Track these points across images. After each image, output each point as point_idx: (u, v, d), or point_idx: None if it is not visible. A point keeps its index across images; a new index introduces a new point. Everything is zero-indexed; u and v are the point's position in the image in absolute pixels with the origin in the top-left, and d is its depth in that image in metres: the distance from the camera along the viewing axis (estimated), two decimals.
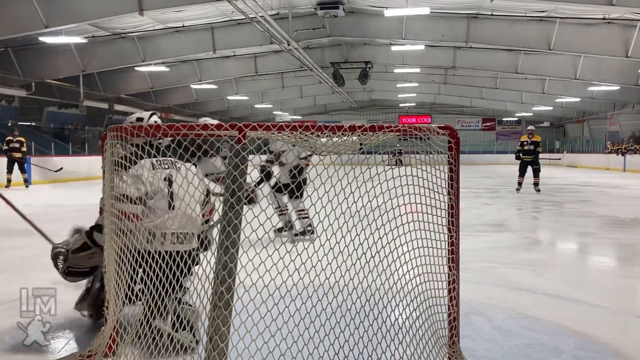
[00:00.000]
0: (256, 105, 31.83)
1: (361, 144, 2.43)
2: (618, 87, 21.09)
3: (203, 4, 12.86)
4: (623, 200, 11.24)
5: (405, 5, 13.83)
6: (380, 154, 2.53)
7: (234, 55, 20.98)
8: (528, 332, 2.93)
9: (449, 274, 2.40)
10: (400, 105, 35.83)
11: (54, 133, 24.42)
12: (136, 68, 19.60)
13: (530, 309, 3.29)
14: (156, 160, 2.80)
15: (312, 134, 2.16)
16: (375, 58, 20.71)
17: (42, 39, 14.29)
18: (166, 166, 2.82)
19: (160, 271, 2.31)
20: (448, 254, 2.41)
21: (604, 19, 14.78)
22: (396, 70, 22.60)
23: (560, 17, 14.95)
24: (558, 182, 17.04)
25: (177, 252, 2.45)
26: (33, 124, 23.96)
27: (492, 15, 15.45)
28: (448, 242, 2.42)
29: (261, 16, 12.03)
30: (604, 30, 15.07)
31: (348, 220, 2.29)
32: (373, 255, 2.34)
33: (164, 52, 17.49)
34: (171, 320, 2.48)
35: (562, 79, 20.73)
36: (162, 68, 19.73)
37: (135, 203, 2.58)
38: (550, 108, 30.44)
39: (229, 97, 28.59)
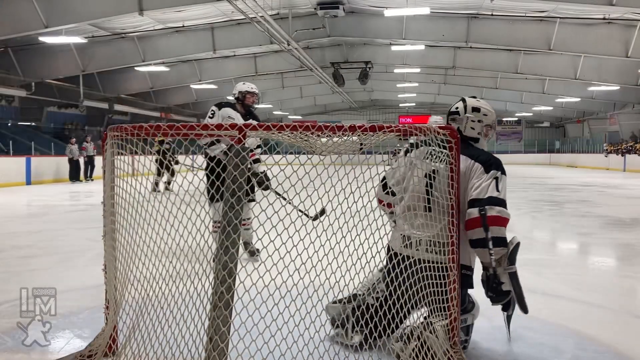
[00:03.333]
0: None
1: (361, 144, 2.42)
2: (618, 87, 21.09)
3: (203, 4, 12.87)
4: (623, 200, 11.24)
5: (405, 5, 13.84)
6: (380, 153, 2.53)
7: (234, 55, 20.98)
8: (528, 332, 2.93)
9: (449, 274, 2.39)
10: (400, 105, 35.82)
11: (54, 133, 24.42)
12: (136, 68, 19.61)
13: (530, 309, 3.28)
14: None
15: (312, 134, 2.16)
16: (375, 58, 20.71)
17: (42, 39, 14.29)
18: None
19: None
20: (448, 254, 2.41)
21: (604, 19, 14.79)
22: (396, 70, 22.60)
23: (560, 17, 14.95)
24: (558, 182, 17.04)
25: None
26: (33, 124, 23.96)
27: (492, 15, 15.46)
28: (448, 243, 2.41)
29: (261, 16, 12.04)
30: (604, 30, 15.08)
31: (348, 221, 2.29)
32: (374, 255, 2.35)
33: (164, 52, 17.49)
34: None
35: (562, 79, 20.74)
36: (162, 68, 19.74)
37: None
38: (550, 108, 30.44)
39: (229, 97, 28.56)
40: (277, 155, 2.24)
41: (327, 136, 2.21)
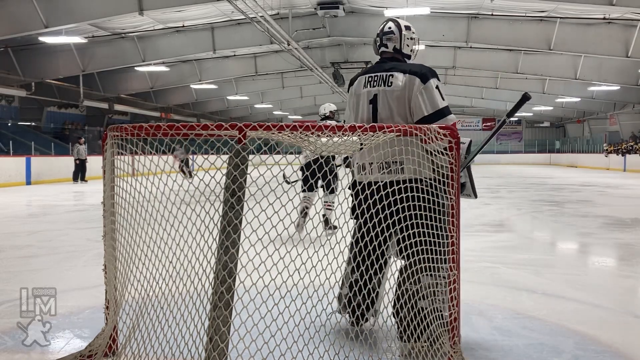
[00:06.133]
0: (256, 105, 31.82)
1: (361, 144, 2.43)
2: (618, 87, 21.10)
3: (203, 4, 12.86)
4: (623, 200, 11.24)
5: (405, 5, 13.85)
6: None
7: (234, 55, 20.98)
8: (528, 332, 2.93)
9: (449, 274, 2.39)
10: None
11: (54, 133, 24.43)
12: (136, 68, 19.61)
13: (530, 309, 3.28)
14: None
15: (312, 134, 2.16)
16: (375, 58, 20.63)
17: (42, 39, 14.29)
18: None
19: None
20: (448, 254, 2.41)
21: (604, 19, 14.79)
22: None
23: (561, 17, 14.96)
24: (558, 182, 17.05)
25: None
26: (33, 124, 23.97)
27: (492, 15, 15.46)
28: (448, 242, 2.41)
29: (261, 16, 12.04)
30: (604, 30, 15.08)
31: (348, 221, 2.29)
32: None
33: (164, 52, 17.49)
34: None
35: (562, 79, 20.74)
36: (162, 68, 19.74)
37: None
38: (551, 108, 30.45)
39: (229, 97, 28.59)
40: (277, 155, 2.24)
41: (327, 136, 2.21)
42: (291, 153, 2.27)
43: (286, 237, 2.20)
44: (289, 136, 2.21)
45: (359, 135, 2.27)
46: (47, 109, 24.81)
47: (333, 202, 5.82)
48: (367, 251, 2.44)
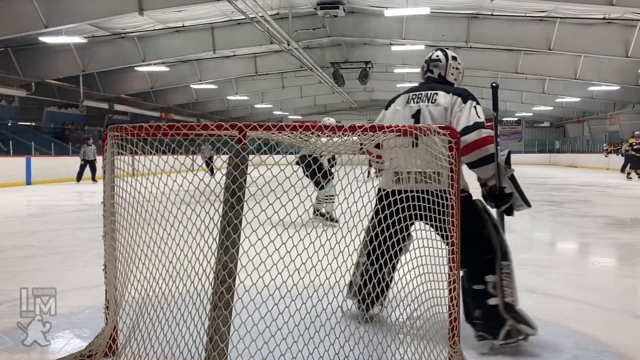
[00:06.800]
0: (256, 105, 31.83)
1: (361, 144, 2.43)
2: (618, 87, 21.10)
3: (203, 4, 12.86)
4: (623, 200, 11.24)
5: (405, 5, 13.85)
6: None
7: (234, 55, 20.98)
8: None
9: (449, 274, 2.40)
10: None
11: (54, 133, 24.44)
12: (136, 68, 19.61)
13: (530, 309, 3.28)
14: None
15: (312, 134, 2.16)
16: (375, 58, 20.70)
17: (42, 39, 14.29)
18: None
19: None
20: (448, 254, 2.41)
21: (604, 19, 14.79)
22: (396, 70, 22.59)
23: (561, 17, 14.96)
24: (558, 182, 17.04)
25: None
26: (33, 124, 23.97)
27: (492, 15, 15.46)
28: (448, 242, 2.42)
29: (261, 16, 12.04)
30: (604, 30, 15.08)
31: (348, 221, 2.29)
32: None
33: (164, 52, 17.49)
34: None
35: (562, 79, 20.74)
36: (162, 68, 19.74)
37: None
38: (550, 108, 30.45)
39: (229, 97, 28.60)
40: (277, 155, 2.23)
41: (327, 136, 2.21)
42: (291, 153, 2.27)
43: (286, 237, 2.20)
44: (289, 136, 2.21)
45: (358, 135, 2.27)
46: (47, 109, 24.83)
47: (332, 196, 6.16)
48: (384, 246, 2.55)
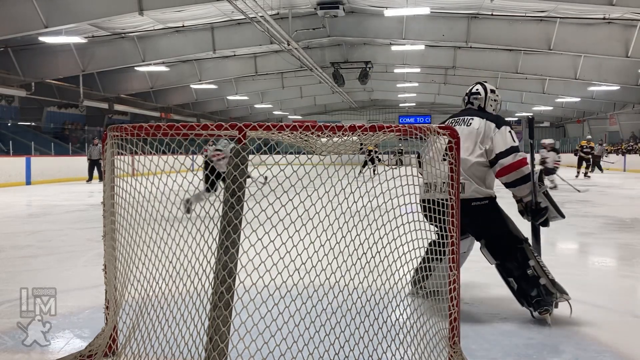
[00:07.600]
0: (256, 105, 31.84)
1: (361, 144, 2.43)
2: (618, 87, 21.10)
3: (203, 4, 12.87)
4: (623, 200, 11.24)
5: (405, 5, 13.85)
6: (381, 153, 2.54)
7: (234, 55, 20.99)
8: (528, 332, 2.93)
9: (449, 274, 2.39)
10: (400, 105, 35.82)
11: (54, 133, 24.44)
12: (136, 68, 19.62)
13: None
14: None
15: (312, 134, 2.15)
16: (375, 58, 20.71)
17: (42, 39, 14.30)
18: None
19: None
20: (448, 254, 2.41)
21: (604, 19, 14.80)
22: (396, 70, 22.62)
23: (560, 17, 14.96)
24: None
25: None
26: (33, 124, 23.98)
27: (492, 15, 15.47)
28: (448, 242, 2.42)
29: (261, 16, 12.04)
30: (604, 30, 15.09)
31: (348, 220, 2.29)
32: (373, 255, 2.34)
33: (164, 52, 17.50)
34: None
35: (562, 79, 20.75)
36: (162, 68, 19.74)
37: None
38: (550, 108, 30.46)
39: (229, 97, 28.61)
40: (277, 155, 2.23)
41: (327, 136, 2.21)
42: (291, 153, 2.27)
43: (286, 237, 2.20)
44: (288, 136, 2.21)
45: (358, 135, 2.27)
46: (47, 109, 24.83)
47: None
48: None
